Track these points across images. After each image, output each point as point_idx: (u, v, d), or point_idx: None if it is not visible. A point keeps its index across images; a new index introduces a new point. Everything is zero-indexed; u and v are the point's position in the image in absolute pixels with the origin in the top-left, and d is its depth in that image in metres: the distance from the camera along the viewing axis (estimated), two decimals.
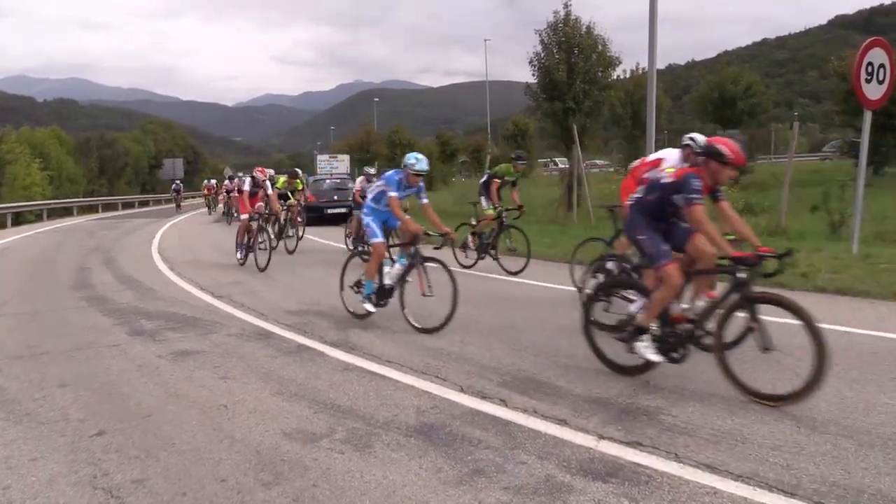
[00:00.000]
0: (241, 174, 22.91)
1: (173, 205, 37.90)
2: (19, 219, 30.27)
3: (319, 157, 44.70)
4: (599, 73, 20.40)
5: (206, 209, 34.42)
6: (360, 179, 14.87)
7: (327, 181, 24.50)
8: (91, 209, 39.44)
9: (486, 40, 62.96)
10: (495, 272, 10.41)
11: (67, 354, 6.30)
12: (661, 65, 58.03)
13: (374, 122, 69.55)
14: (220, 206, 28.49)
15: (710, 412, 4.32)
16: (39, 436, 4.32)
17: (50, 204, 33.10)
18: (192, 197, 51.36)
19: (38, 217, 31.69)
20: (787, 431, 3.98)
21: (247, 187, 12.80)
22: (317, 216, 21.52)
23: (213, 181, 35.08)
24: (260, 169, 13.60)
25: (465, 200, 25.45)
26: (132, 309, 8.43)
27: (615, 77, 22.50)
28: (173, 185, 39.08)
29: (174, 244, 16.99)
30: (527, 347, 6.03)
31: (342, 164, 40.25)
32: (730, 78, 24.73)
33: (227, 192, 23.76)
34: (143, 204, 48.71)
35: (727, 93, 24.39)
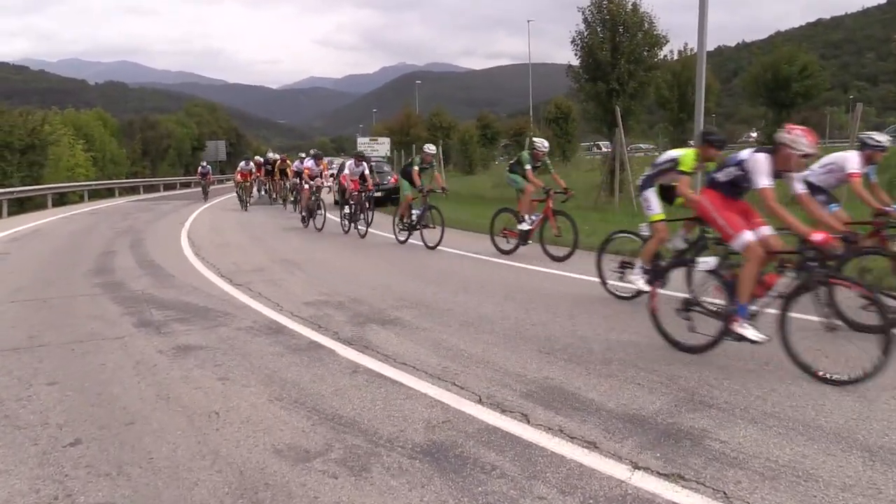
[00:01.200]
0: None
1: (200, 191, 31.18)
2: (63, 199, 30.57)
3: (360, 140, 44.41)
4: (645, 53, 19.56)
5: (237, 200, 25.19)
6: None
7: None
8: (133, 190, 39.77)
9: (528, 21, 62.09)
10: (534, 261, 9.84)
11: (67, 347, 5.93)
12: (710, 46, 56.09)
13: (416, 105, 69.07)
14: (255, 191, 26.62)
15: (765, 438, 3.70)
16: (12, 443, 3.91)
17: (91, 185, 33.31)
18: (225, 181, 51.09)
19: (80, 198, 31.95)
20: (860, 467, 3.35)
21: (347, 171, 14.71)
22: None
23: (251, 164, 26.00)
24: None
25: (505, 185, 24.94)
26: (146, 297, 8.07)
27: (662, 57, 21.52)
28: (200, 168, 32.74)
29: (206, 227, 16.75)
30: (557, 350, 5.45)
31: (382, 146, 39.84)
32: (784, 58, 23.49)
33: (298, 175, 21.78)
34: (185, 185, 48.98)
35: (781, 74, 23.19)
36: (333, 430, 3.97)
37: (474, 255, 10.81)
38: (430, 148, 13.03)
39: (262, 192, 28.37)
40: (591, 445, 3.67)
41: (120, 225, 17.85)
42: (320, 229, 15.41)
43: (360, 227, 14.44)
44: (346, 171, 14.72)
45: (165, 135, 53.18)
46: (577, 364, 5.09)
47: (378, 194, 21.06)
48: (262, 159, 27.55)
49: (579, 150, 47.61)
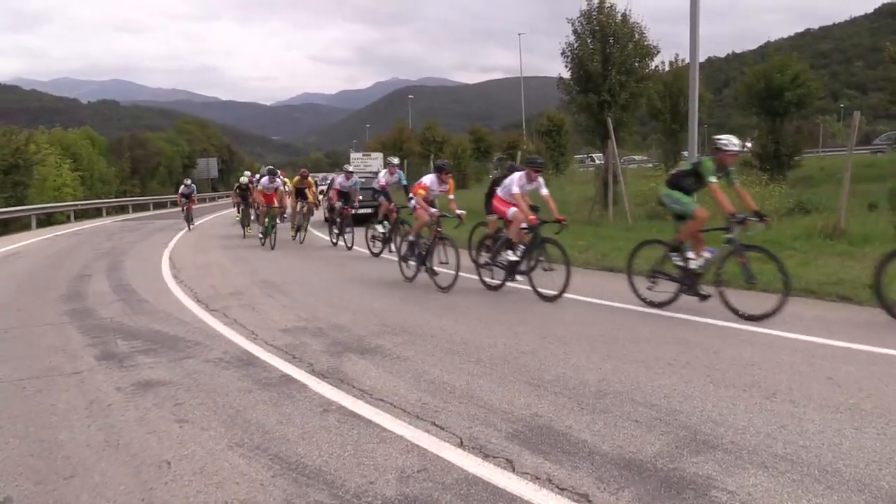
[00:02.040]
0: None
1: (182, 216, 23.70)
2: (51, 220, 30.13)
3: (353, 155, 44.18)
4: (636, 64, 19.18)
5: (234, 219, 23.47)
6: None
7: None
8: (122, 209, 39.29)
9: (519, 34, 62.01)
10: (523, 282, 9.42)
11: (19, 385, 5.49)
12: (700, 57, 56.31)
13: (409, 120, 68.86)
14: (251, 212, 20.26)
15: (777, 487, 3.28)
16: None
17: (77, 205, 32.85)
18: (218, 198, 50.49)
19: (67, 218, 31.49)
20: None
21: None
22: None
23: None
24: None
25: None
26: (114, 325, 7.64)
27: (653, 68, 21.20)
28: (182, 187, 24.12)
29: (191, 246, 16.30)
30: (547, 382, 5.03)
31: (375, 161, 39.52)
32: (776, 67, 23.21)
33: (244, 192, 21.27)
34: (175, 204, 48.53)
35: (774, 83, 22.88)
36: (295, 482, 3.54)
37: (461, 275, 10.34)
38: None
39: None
40: (583, 499, 3.25)
41: (103, 246, 17.40)
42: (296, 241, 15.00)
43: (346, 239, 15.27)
44: (337, 185, 15.37)
45: (155, 153, 52.79)
46: (568, 398, 4.67)
47: (367, 210, 20.74)
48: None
49: (572, 162, 47.33)
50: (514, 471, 3.59)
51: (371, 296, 9.01)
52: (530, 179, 8.90)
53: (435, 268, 9.66)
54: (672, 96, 30.46)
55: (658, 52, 19.81)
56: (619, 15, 19.06)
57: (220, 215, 31.39)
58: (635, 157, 45.38)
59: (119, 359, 6.17)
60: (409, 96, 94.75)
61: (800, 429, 3.98)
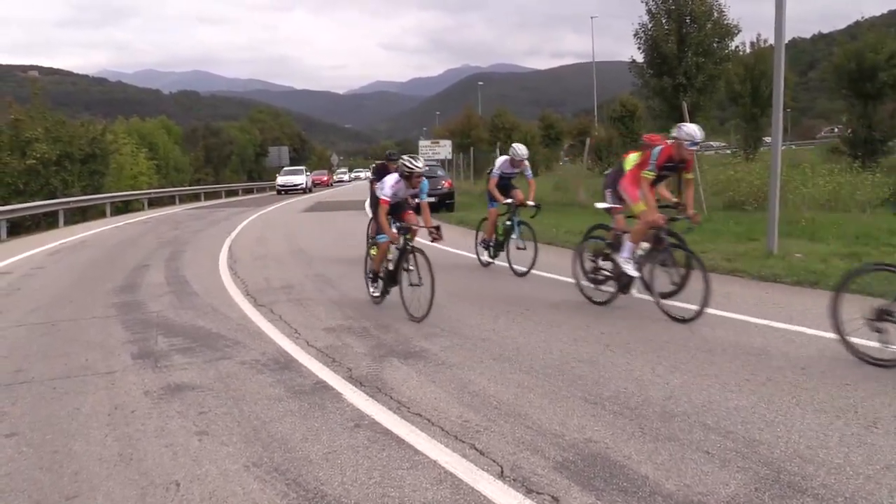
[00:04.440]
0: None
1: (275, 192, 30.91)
2: (128, 207, 30.94)
3: (421, 143, 43.93)
4: (715, 44, 18.16)
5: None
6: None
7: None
8: (195, 197, 40.11)
9: (592, 18, 60.60)
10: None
11: (50, 385, 5.28)
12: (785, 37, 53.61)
13: (479, 107, 68.20)
14: None
15: None
16: None
17: (151, 193, 33.61)
18: (255, 190, 50.86)
19: (143, 205, 32.27)
20: None
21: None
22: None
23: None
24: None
25: (565, 188, 23.80)
26: (159, 320, 7.43)
27: (733, 49, 20.06)
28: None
29: (253, 237, 16.22)
30: (606, 399, 4.46)
31: (443, 149, 39.13)
32: (870, 46, 21.63)
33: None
34: (248, 192, 49.41)
35: (867, 62, 21.35)
36: None
37: (524, 270, 9.80)
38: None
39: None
40: None
41: (167, 235, 17.53)
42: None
43: None
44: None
45: (228, 141, 53.79)
46: (628, 419, 4.10)
47: (431, 199, 20.38)
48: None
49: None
50: None
51: None
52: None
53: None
54: (753, 79, 29.02)
55: (738, 31, 18.75)
56: None
57: (288, 203, 31.56)
58: (713, 143, 43.57)
59: (155, 358, 5.91)
60: (479, 83, 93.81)
61: None
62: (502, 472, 3.48)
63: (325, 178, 60.89)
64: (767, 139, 38.62)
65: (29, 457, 3.96)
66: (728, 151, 36.62)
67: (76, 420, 4.52)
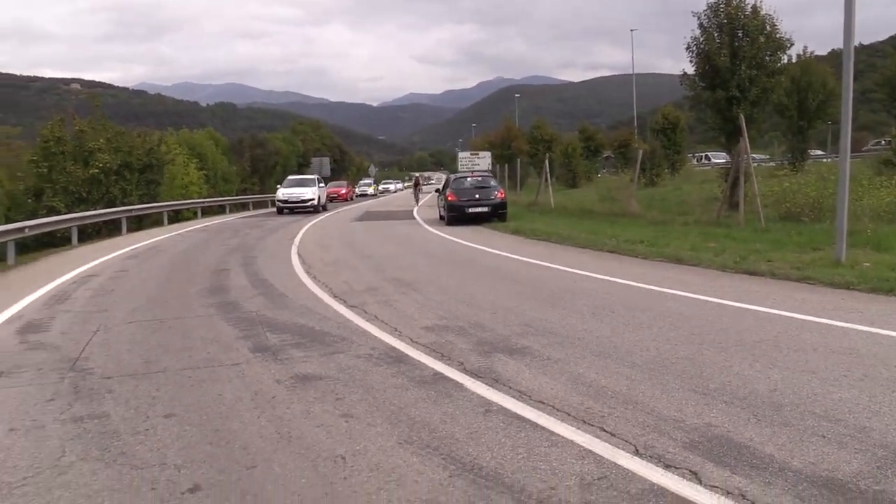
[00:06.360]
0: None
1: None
2: (178, 216, 31.84)
3: (461, 155, 44.39)
4: (768, 57, 18.31)
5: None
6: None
7: (468, 179, 23.59)
8: (242, 206, 41.00)
9: (632, 30, 61.02)
10: (665, 283, 9.13)
11: (183, 374, 5.75)
12: (825, 49, 53.38)
13: (516, 118, 68.63)
14: None
15: None
16: (129, 486, 3.66)
17: (204, 202, 34.54)
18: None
19: (194, 214, 33.16)
20: None
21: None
22: (457, 215, 20.97)
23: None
24: None
25: (612, 198, 24.05)
26: (260, 318, 7.90)
27: (785, 61, 20.19)
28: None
29: (314, 244, 16.76)
30: (713, 391, 4.80)
31: (483, 160, 39.51)
32: None
33: None
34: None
35: None
36: (474, 483, 3.51)
37: (596, 276, 10.16)
38: None
39: None
40: None
41: (230, 242, 18.14)
42: None
43: None
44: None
45: (273, 152, 54.87)
46: (740, 408, 4.43)
47: (484, 209, 20.82)
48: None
49: (688, 161, 45.86)
50: (700, 483, 3.42)
51: (506, 294, 8.86)
52: None
53: None
54: (800, 91, 29.02)
55: (791, 44, 18.90)
56: (749, 6, 18.26)
57: (338, 212, 32.16)
58: (755, 155, 43.44)
59: (273, 352, 6.36)
60: (517, 95, 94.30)
61: None
62: (637, 450, 3.84)
63: (344, 192, 47.71)
64: (813, 152, 38.55)
65: (194, 434, 4.39)
66: (772, 164, 36.51)
67: (223, 404, 4.96)
